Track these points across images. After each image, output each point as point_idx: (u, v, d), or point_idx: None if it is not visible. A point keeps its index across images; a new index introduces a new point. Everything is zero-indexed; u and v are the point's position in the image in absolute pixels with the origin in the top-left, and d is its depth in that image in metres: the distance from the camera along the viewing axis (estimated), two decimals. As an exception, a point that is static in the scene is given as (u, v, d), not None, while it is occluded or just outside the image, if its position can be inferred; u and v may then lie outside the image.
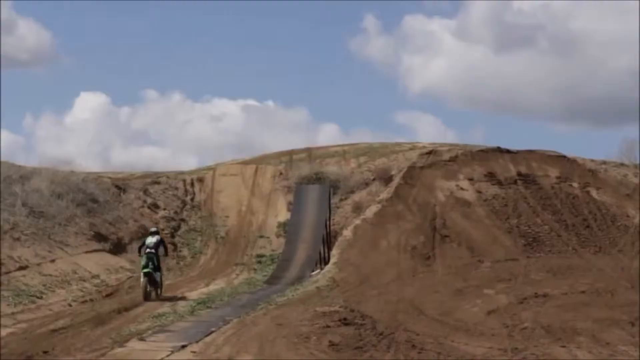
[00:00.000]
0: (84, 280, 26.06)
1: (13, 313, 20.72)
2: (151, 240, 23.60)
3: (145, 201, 35.12)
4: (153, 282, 23.22)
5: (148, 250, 23.31)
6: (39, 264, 25.80)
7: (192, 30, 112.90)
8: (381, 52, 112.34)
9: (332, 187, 33.21)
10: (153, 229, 24.95)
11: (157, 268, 23.39)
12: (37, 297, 22.95)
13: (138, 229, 32.93)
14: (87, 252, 28.67)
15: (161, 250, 23.90)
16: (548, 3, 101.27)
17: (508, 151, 33.39)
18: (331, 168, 36.97)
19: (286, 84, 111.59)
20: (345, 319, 16.84)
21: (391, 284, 22.07)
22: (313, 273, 25.76)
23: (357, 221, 27.71)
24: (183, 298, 23.65)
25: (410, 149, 39.27)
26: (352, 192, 34.52)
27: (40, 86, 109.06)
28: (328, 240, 29.48)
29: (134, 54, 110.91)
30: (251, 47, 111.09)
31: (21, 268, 24.73)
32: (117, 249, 30.89)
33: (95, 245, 29.86)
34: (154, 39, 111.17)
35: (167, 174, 38.63)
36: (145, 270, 22.86)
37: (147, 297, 22.81)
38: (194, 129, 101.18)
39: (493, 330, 17.06)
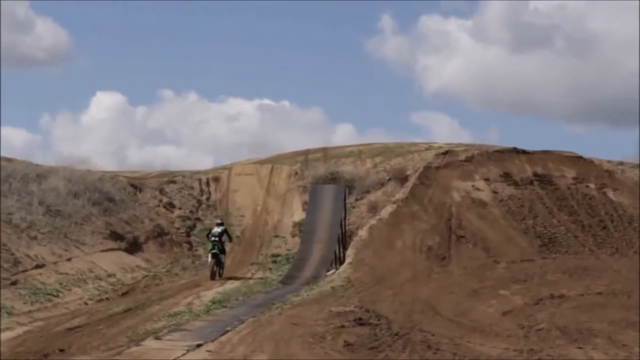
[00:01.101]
0: (100, 279, 26.17)
1: (30, 311, 20.88)
2: (216, 230, 28.05)
3: (161, 200, 35.25)
4: (219, 262, 27.68)
5: (213, 238, 27.70)
6: (55, 263, 25.92)
7: (208, 30, 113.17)
8: (397, 52, 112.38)
9: (347, 187, 33.19)
10: (218, 221, 29.59)
11: (222, 251, 27.97)
12: (54, 296, 23.10)
13: (154, 228, 33.06)
14: (103, 250, 28.79)
15: (225, 237, 28.33)
16: (564, 3, 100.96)
17: (524, 151, 33.19)
18: (347, 168, 36.96)
19: (302, 84, 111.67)
20: (360, 319, 16.82)
21: (406, 284, 22.01)
22: (328, 273, 25.73)
23: (373, 221, 27.63)
24: (242, 279, 27.60)
25: (426, 149, 39.24)
26: (368, 192, 34.55)
27: (57, 85, 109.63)
28: (343, 240, 29.47)
29: (150, 54, 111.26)
30: (267, 47, 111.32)
31: (38, 266, 24.86)
32: (133, 247, 31.01)
33: (111, 244, 29.97)
34: (170, 39, 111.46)
35: (182, 173, 38.75)
36: (213, 251, 27.40)
37: (213, 276, 27.20)
38: (210, 129, 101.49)
39: (509, 331, 17.00)
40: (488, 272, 23.40)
